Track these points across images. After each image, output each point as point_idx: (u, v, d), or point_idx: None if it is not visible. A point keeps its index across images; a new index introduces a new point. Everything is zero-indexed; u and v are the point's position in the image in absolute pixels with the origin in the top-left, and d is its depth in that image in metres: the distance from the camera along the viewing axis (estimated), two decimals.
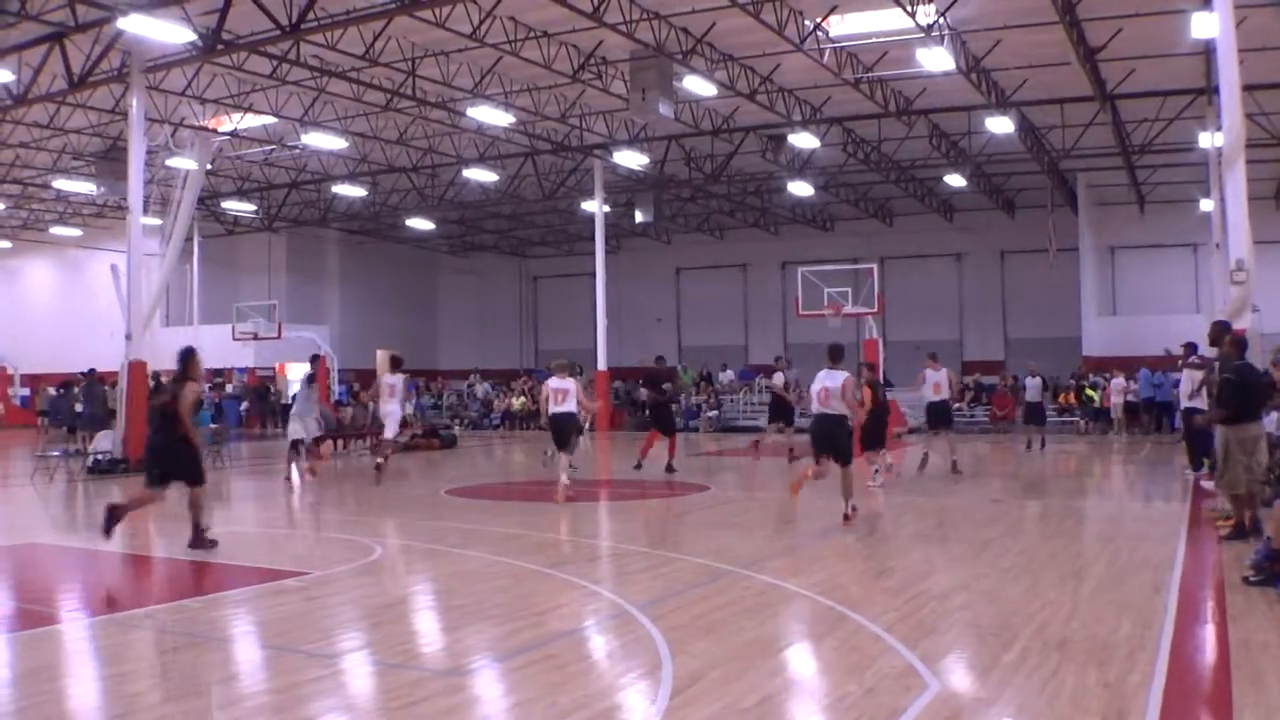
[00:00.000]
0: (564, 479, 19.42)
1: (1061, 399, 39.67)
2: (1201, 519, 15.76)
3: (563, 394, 19.57)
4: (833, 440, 16.11)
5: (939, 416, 24.02)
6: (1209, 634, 9.10)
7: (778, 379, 27.32)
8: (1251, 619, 9.33)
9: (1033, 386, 31.97)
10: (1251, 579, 10.72)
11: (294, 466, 23.80)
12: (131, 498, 14.65)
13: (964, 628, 9.26)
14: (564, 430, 19.72)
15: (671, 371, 29.31)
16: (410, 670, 8.07)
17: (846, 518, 15.94)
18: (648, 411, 27.43)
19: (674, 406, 28.24)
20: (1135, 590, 10.65)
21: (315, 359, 31.88)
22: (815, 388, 16.06)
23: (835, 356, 16.34)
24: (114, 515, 13.54)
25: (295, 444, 24.07)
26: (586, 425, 24.02)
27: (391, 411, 23.34)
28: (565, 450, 19.75)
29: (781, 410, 27.20)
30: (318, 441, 25.56)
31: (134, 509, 14.37)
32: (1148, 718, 6.80)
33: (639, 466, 24.46)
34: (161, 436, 14.13)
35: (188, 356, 14.08)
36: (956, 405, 37.24)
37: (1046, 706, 7.03)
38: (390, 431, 23.41)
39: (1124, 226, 45.26)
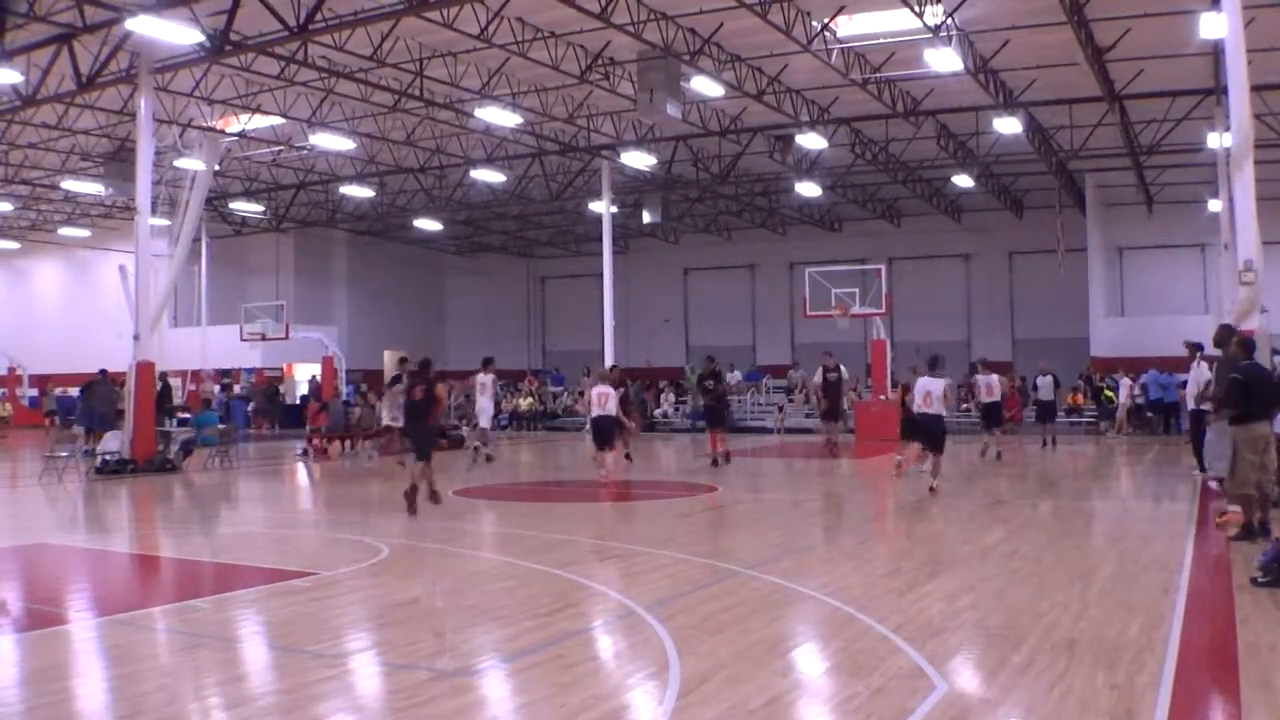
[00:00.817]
0: (602, 472, 22.10)
1: (1070, 399, 39.63)
2: (1210, 520, 15.74)
3: (605, 398, 22.04)
4: (931, 434, 19.81)
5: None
6: (1217, 636, 9.07)
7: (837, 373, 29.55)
8: (1260, 621, 9.32)
9: (1044, 385, 32.17)
10: (1260, 580, 10.71)
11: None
12: (414, 476, 17.76)
13: (972, 628, 9.25)
14: (604, 431, 22.12)
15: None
16: (417, 671, 8.07)
17: (932, 490, 19.38)
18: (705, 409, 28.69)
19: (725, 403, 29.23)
20: (1143, 591, 10.64)
21: (404, 360, 32.58)
22: (919, 392, 19.56)
23: (934, 365, 19.90)
24: (410, 496, 17.43)
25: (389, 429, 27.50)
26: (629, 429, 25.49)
27: (484, 407, 28.69)
28: (605, 449, 22.19)
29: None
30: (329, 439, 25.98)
31: (422, 481, 17.73)
32: (1156, 719, 6.79)
33: (715, 463, 25.62)
34: (417, 424, 18.26)
35: (428, 363, 18.61)
36: (964, 406, 37.95)
37: (1054, 708, 7.02)
38: (485, 422, 28.52)
39: (1132, 227, 45.19)
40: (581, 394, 44.81)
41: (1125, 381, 36.18)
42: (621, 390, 25.69)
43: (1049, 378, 31.80)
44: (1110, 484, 23.34)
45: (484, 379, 28.33)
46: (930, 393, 19.53)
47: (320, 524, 18.00)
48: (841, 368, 29.97)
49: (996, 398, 28.31)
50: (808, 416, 42.07)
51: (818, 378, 29.69)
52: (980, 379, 28.40)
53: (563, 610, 10.12)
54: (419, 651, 8.79)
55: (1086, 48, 25.06)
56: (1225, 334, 15.09)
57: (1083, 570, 11.87)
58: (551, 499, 21.29)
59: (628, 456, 27.39)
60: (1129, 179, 39.59)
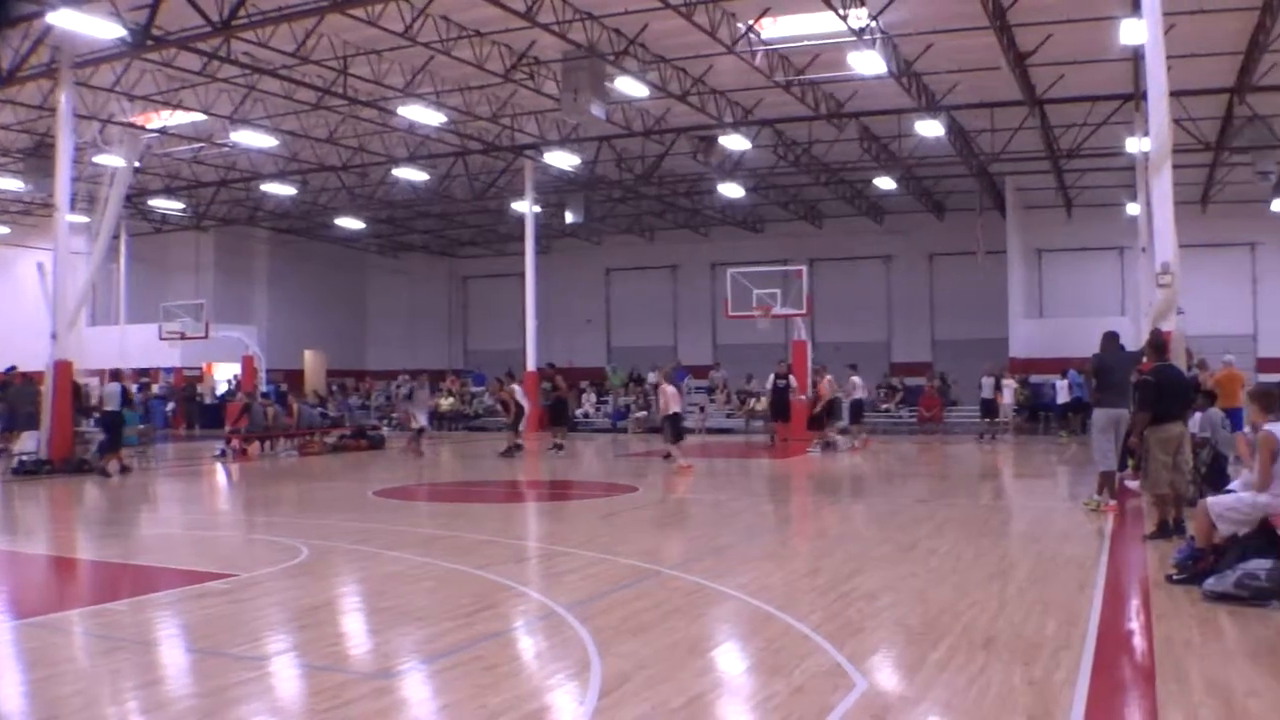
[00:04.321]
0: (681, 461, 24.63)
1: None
2: (1127, 517, 15.97)
3: (672, 396, 25.15)
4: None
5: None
6: (1133, 632, 9.20)
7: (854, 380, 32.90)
8: (1175, 617, 9.45)
9: (987, 385, 34.68)
10: (1175, 577, 10.87)
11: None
12: None
13: (891, 627, 9.33)
14: (676, 425, 25.15)
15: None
16: (338, 673, 8.02)
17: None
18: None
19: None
20: (1061, 589, 10.77)
21: (419, 374, 33.60)
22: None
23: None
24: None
25: (420, 431, 31.62)
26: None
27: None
28: (678, 440, 25.22)
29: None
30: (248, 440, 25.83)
31: None
32: (1073, 715, 6.87)
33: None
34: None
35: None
36: (884, 406, 39.64)
37: (973, 704, 7.09)
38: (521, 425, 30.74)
39: (1051, 230, 45.71)
40: (449, 393, 45.56)
41: (1009, 383, 36.49)
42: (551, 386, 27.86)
43: (990, 379, 33.27)
44: (1027, 483, 23.55)
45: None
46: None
47: (239, 525, 17.84)
48: (790, 375, 31.53)
49: (861, 396, 33.02)
50: (729, 417, 42.22)
51: (769, 383, 30.87)
52: (856, 379, 32.49)
53: (483, 611, 10.09)
54: (339, 653, 8.75)
55: (1008, 52, 25.33)
56: (1159, 339, 15.31)
57: (1001, 568, 11.99)
58: (472, 499, 21.22)
59: (560, 446, 29.30)
60: (1049, 182, 40.03)
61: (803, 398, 31.70)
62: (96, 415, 26.27)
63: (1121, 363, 16.42)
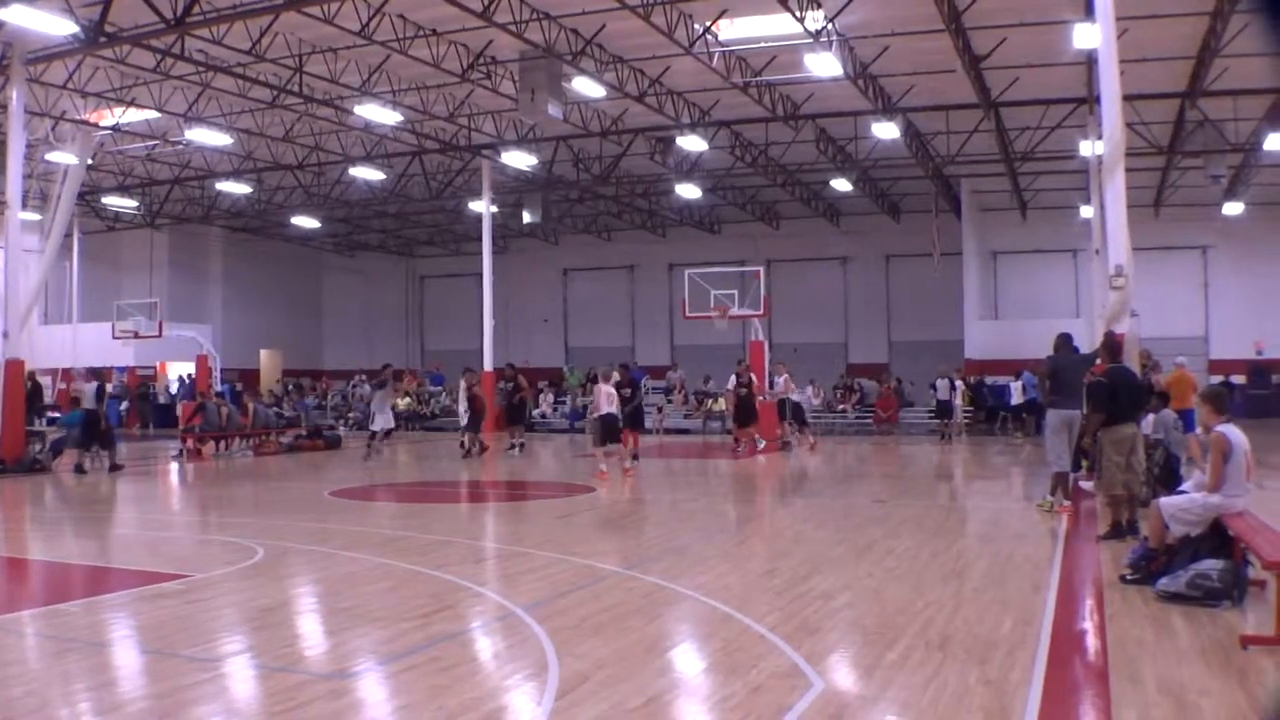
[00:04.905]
0: (601, 468, 23.14)
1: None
2: (1081, 518, 16.08)
3: (610, 396, 23.49)
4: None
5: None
6: (1087, 632, 9.26)
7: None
8: (1129, 617, 9.53)
9: (942, 386, 34.69)
10: (1129, 578, 10.95)
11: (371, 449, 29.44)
12: None
13: (848, 627, 9.37)
14: (605, 428, 23.47)
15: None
16: (294, 674, 8.00)
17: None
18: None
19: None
20: (1016, 589, 10.84)
21: (386, 367, 32.66)
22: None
23: None
24: None
25: (374, 434, 30.00)
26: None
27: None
28: (603, 444, 23.56)
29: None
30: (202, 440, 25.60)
31: None
32: (1028, 714, 6.92)
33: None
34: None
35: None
36: (841, 407, 39.97)
37: (930, 704, 7.13)
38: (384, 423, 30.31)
39: (1006, 232, 46.00)
40: (405, 393, 45.52)
41: (943, 383, 36.65)
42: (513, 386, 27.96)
43: (946, 380, 34.16)
44: (982, 484, 23.67)
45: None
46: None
47: (194, 525, 17.75)
48: (753, 378, 31.17)
49: (785, 395, 32.23)
50: (686, 417, 42.24)
51: (731, 384, 30.65)
52: (779, 379, 32.19)
53: (440, 612, 10.07)
54: (295, 654, 8.72)
55: (964, 55, 25.47)
56: (1113, 342, 15.42)
57: (957, 569, 12.06)
58: (429, 499, 21.17)
59: (520, 446, 29.86)
60: (1004, 185, 40.24)
61: (763, 397, 31.81)
62: (52, 415, 26.12)
63: (1075, 365, 16.60)
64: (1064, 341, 17.13)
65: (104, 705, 7.26)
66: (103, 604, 10.71)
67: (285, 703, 7.21)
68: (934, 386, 35.71)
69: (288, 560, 13.09)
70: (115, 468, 25.50)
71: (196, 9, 22.22)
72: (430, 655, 8.40)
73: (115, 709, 7.16)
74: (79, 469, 25.16)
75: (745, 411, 30.04)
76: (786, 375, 31.89)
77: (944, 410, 35.39)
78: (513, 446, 29.93)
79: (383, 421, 30.05)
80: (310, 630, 9.86)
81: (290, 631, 9.69)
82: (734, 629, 9.24)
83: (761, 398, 31.36)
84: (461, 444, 29.70)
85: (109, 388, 44.56)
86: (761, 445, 30.54)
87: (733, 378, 30.43)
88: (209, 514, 19.02)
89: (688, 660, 8.63)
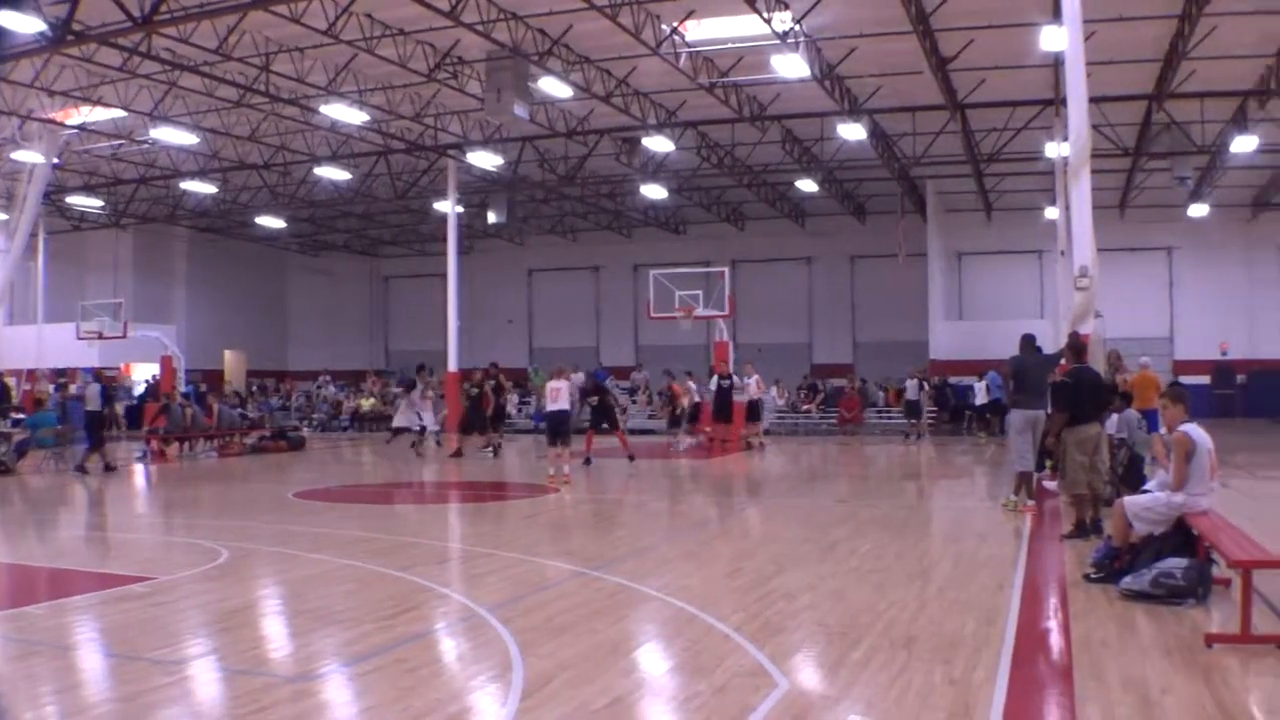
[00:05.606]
0: (564, 470, 22.26)
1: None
2: (1045, 517, 16.15)
3: (556, 393, 22.54)
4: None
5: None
6: (1051, 630, 9.29)
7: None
8: (1093, 615, 9.58)
9: (911, 386, 35.34)
10: (1093, 576, 11.01)
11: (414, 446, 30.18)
12: None
13: (812, 627, 9.38)
14: (558, 425, 22.59)
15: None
16: (258, 676, 7.96)
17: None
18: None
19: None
20: (980, 588, 10.88)
21: (420, 368, 32.57)
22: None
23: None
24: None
25: (398, 430, 31.23)
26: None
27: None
28: (561, 444, 22.52)
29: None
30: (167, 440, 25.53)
31: None
32: (993, 713, 6.96)
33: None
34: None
35: None
36: (805, 408, 40.41)
37: (894, 703, 7.15)
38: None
39: (972, 233, 46.20)
40: (370, 394, 45.58)
41: (912, 383, 36.73)
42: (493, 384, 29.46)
43: (915, 380, 35.01)
44: (947, 484, 23.74)
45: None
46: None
47: (158, 527, 17.68)
48: (734, 376, 31.60)
49: (757, 397, 33.09)
50: (650, 418, 42.22)
51: (713, 384, 31.03)
52: (749, 380, 32.48)
53: (405, 613, 10.05)
54: (259, 656, 8.68)
55: (931, 57, 25.55)
56: (1078, 342, 15.50)
57: (921, 568, 12.11)
58: (393, 501, 21.12)
59: (496, 448, 29.76)
60: (969, 186, 40.39)
61: (742, 397, 32.06)
62: (16, 416, 26.01)
63: (1038, 365, 16.71)
64: (1027, 342, 17.20)
65: (69, 708, 7.22)
66: (67, 606, 10.63)
67: (250, 705, 7.19)
68: (904, 386, 36.13)
69: (252, 562, 13.04)
70: (108, 468, 25.69)
71: (164, 8, 22.11)
72: (395, 657, 8.38)
73: (80, 712, 7.12)
74: (81, 469, 25.44)
75: (724, 410, 30.27)
76: (757, 376, 32.16)
77: (913, 410, 35.68)
78: (488, 447, 29.87)
79: (405, 420, 30.79)
80: (275, 632, 9.82)
81: (255, 633, 9.65)
82: (698, 629, 9.25)
83: (740, 397, 31.58)
84: (439, 444, 29.87)
85: (72, 389, 44.46)
86: (697, 443, 30.98)
87: (715, 377, 30.72)
88: (173, 516, 18.92)
89: (652, 660, 8.63)
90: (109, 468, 25.64)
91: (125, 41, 24.73)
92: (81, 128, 32.74)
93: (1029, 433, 16.36)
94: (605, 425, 27.80)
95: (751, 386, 31.97)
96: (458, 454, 29.30)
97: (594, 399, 28.05)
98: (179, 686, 7.76)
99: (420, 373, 31.91)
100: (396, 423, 31.35)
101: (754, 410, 32.65)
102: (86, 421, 26.29)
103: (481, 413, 30.07)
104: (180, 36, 24.52)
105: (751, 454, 30.47)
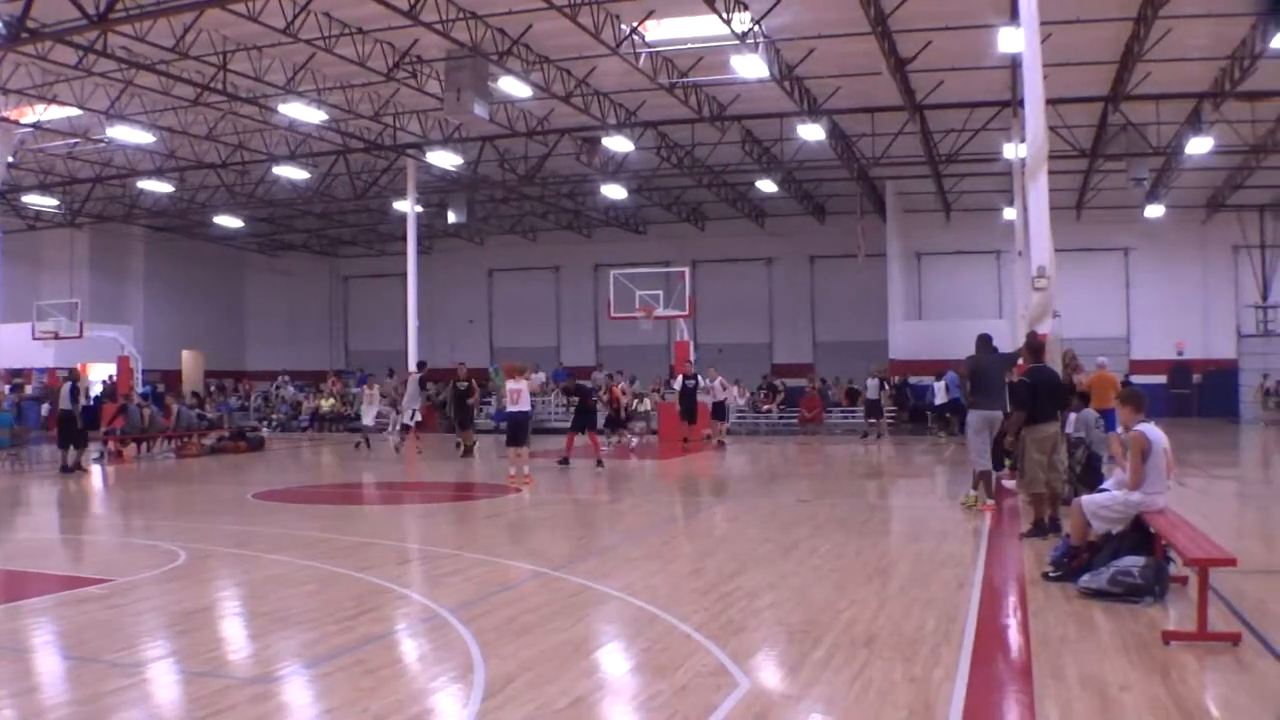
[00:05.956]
0: (524, 470, 21.75)
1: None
2: (1004, 516, 16.24)
3: (518, 394, 21.98)
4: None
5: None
6: (1011, 628, 9.36)
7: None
8: (1051, 613, 9.64)
9: (872, 386, 35.51)
10: (1051, 575, 11.08)
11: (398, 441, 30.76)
12: None
13: (773, 626, 9.41)
14: (517, 426, 22.08)
15: None
16: (217, 678, 7.92)
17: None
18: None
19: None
20: (939, 587, 10.93)
21: (422, 364, 32.50)
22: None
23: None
24: None
25: (404, 427, 30.92)
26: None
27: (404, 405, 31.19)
28: (520, 444, 21.94)
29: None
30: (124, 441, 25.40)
31: None
32: (953, 710, 7.00)
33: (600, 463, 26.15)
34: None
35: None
36: (765, 407, 40.72)
37: (854, 701, 7.19)
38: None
39: (931, 233, 46.34)
40: (329, 394, 45.44)
41: (873, 382, 36.82)
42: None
43: (876, 380, 35.30)
44: (906, 483, 23.81)
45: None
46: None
47: (115, 529, 17.57)
48: (698, 376, 32.61)
49: (723, 398, 33.97)
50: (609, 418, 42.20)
51: (678, 384, 31.76)
52: (713, 381, 33.48)
53: (365, 614, 10.03)
54: (218, 658, 8.64)
55: (889, 58, 25.62)
56: (1036, 341, 15.59)
57: (881, 567, 12.16)
58: (354, 501, 21.05)
59: (466, 448, 29.86)
60: (928, 187, 40.54)
61: (707, 397, 32.21)
62: None
63: (995, 365, 16.87)
64: (984, 342, 17.31)
65: (26, 712, 7.17)
66: (24, 609, 10.55)
67: (208, 708, 7.16)
68: (865, 385, 36.35)
69: (210, 563, 12.97)
70: (72, 468, 25.94)
71: (119, 5, 21.93)
72: (356, 658, 8.35)
73: (38, 715, 7.08)
74: (65, 468, 25.70)
75: (689, 410, 30.58)
76: (720, 379, 32.52)
77: (873, 410, 35.80)
78: (459, 446, 29.88)
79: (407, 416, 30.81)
80: (234, 634, 9.77)
81: (213, 635, 9.60)
82: (660, 629, 9.26)
83: (706, 397, 31.77)
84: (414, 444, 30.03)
85: (28, 389, 44.18)
86: (621, 444, 31.11)
87: (680, 377, 31.65)
88: (131, 517, 18.83)
89: (614, 660, 8.63)
90: (65, 468, 25.51)
91: (81, 39, 24.52)
92: (36, 126, 32.47)
93: (986, 432, 16.48)
94: (587, 428, 27.45)
95: (717, 388, 32.28)
96: (468, 453, 29.30)
97: (575, 399, 27.84)
98: (138, 689, 7.72)
99: (421, 369, 32.66)
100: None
101: (719, 410, 32.86)
102: (59, 421, 26.53)
103: (470, 409, 30.23)
104: (136, 35, 24.35)
105: (717, 451, 30.63)
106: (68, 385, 26.01)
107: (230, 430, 35.46)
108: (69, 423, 26.20)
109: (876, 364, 36.95)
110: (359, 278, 59.36)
